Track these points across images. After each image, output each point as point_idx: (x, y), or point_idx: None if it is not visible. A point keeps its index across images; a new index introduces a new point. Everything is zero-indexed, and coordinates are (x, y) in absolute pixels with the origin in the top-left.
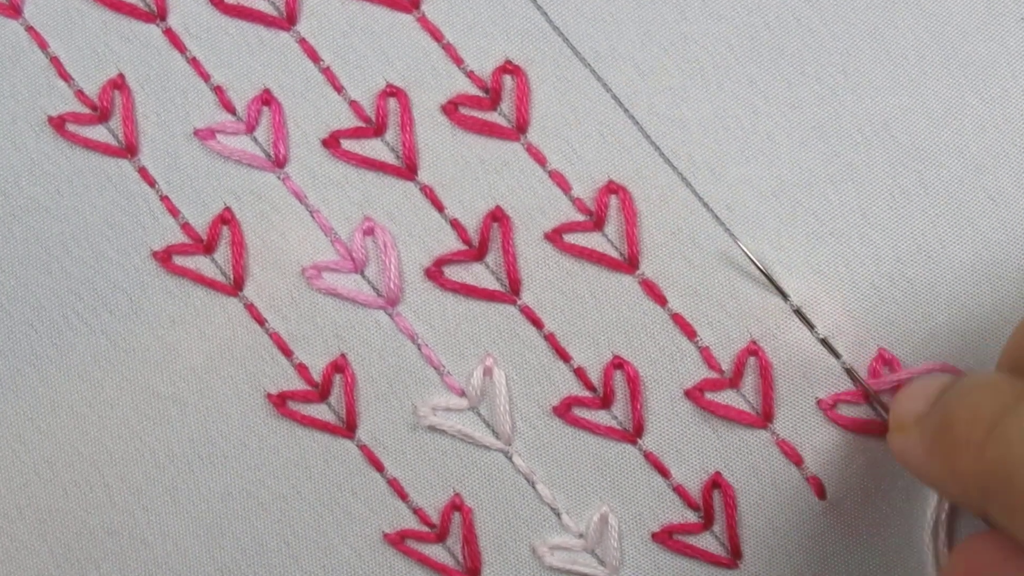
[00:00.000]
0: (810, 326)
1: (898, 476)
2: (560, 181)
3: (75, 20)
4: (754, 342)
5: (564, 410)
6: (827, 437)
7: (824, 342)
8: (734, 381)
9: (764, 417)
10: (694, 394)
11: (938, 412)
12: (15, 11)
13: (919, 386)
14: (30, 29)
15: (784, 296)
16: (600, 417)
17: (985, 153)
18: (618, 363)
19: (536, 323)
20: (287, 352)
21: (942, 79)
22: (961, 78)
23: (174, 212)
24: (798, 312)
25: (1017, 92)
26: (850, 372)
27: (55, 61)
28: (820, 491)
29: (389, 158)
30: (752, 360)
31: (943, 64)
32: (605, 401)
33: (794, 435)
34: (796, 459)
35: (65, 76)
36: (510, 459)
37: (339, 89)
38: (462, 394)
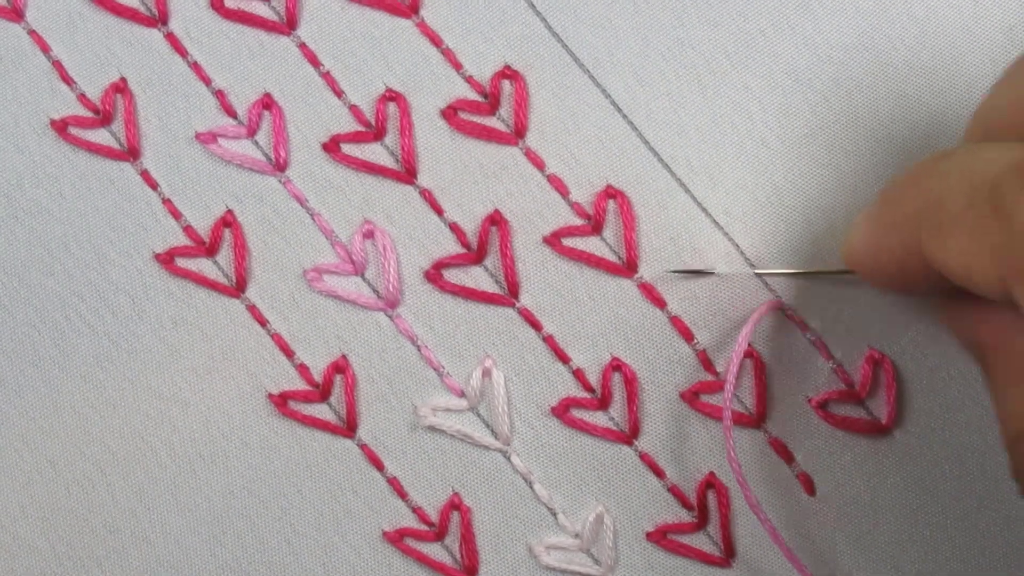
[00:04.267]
0: (802, 327)
1: (884, 473)
2: (558, 185)
3: (77, 24)
4: (750, 345)
5: (562, 411)
6: (816, 435)
7: (814, 343)
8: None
9: (757, 417)
10: (689, 397)
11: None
12: (17, 15)
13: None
14: (32, 33)
15: (778, 297)
16: (597, 418)
17: None
18: (616, 365)
19: (535, 325)
20: (288, 353)
21: (931, 87)
22: (949, 86)
23: (176, 215)
24: (790, 313)
25: None
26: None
27: (57, 65)
28: (809, 488)
29: (389, 162)
30: (747, 363)
31: (932, 72)
32: (603, 402)
33: (785, 433)
34: (787, 457)
35: (67, 80)
36: (508, 459)
37: (339, 93)
38: (461, 395)
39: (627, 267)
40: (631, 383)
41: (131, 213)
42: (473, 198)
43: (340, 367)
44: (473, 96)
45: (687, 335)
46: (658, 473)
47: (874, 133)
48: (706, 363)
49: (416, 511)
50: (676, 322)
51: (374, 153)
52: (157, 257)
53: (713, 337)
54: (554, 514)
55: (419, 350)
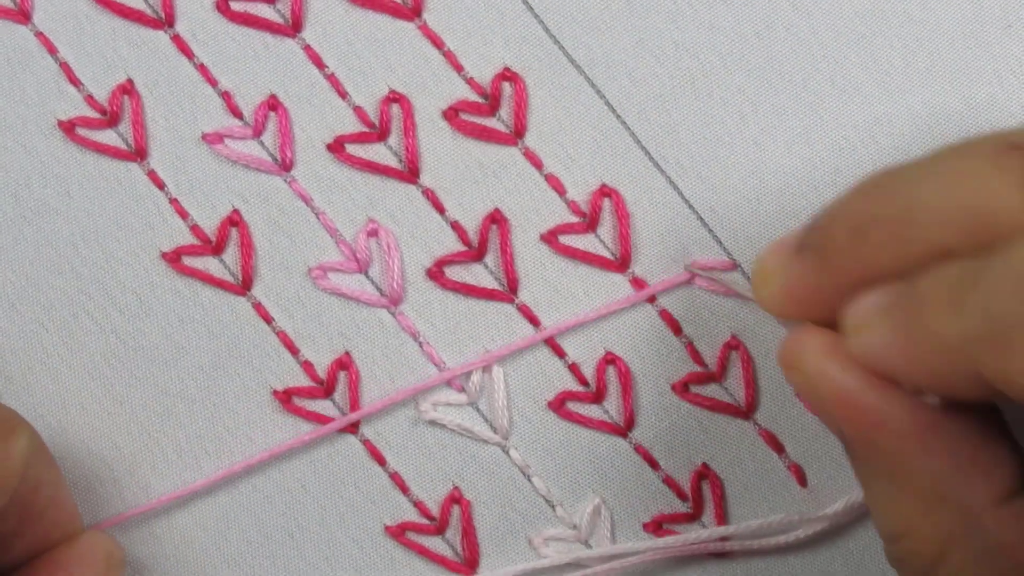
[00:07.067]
0: (785, 324)
1: None
2: (556, 184)
3: (84, 26)
4: (735, 337)
5: (558, 405)
6: (806, 426)
7: None
8: (718, 374)
9: (747, 408)
10: (680, 388)
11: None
12: (24, 17)
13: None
14: (39, 35)
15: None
16: (593, 411)
17: None
18: (610, 359)
19: (533, 321)
20: (293, 350)
21: (928, 86)
22: (947, 85)
23: (183, 214)
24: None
25: (1003, 99)
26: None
27: (64, 66)
28: (801, 479)
29: (392, 162)
30: (734, 354)
31: (929, 71)
32: (598, 396)
33: (775, 425)
34: (777, 448)
35: (75, 81)
36: (507, 453)
37: (343, 95)
38: (462, 390)
39: (620, 263)
40: (625, 376)
41: (138, 213)
42: (474, 197)
43: (344, 364)
44: (474, 97)
45: (675, 328)
46: (653, 464)
47: (868, 134)
48: (694, 354)
49: (417, 505)
50: (665, 315)
51: (378, 153)
52: (164, 256)
53: (699, 329)
54: (552, 506)
55: (421, 346)
